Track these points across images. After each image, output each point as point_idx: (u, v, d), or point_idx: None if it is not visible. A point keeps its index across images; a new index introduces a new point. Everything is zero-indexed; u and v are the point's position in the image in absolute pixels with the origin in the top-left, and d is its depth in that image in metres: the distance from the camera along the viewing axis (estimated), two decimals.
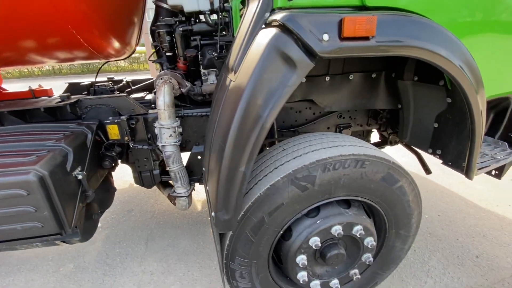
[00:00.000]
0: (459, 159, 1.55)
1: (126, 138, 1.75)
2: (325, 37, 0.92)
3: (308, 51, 0.93)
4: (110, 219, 2.83)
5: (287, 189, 1.22)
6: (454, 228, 2.49)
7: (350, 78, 1.84)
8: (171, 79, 1.85)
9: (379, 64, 1.82)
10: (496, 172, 1.85)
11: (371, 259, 1.47)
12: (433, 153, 1.72)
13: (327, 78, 1.81)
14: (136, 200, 3.13)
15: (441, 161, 1.67)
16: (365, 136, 2.55)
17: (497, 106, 1.71)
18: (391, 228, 1.50)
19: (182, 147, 2.00)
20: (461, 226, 2.50)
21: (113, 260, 2.28)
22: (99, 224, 2.76)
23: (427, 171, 2.24)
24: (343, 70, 1.83)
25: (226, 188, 1.10)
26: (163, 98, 1.67)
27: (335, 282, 1.51)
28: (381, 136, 2.61)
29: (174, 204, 2.05)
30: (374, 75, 1.86)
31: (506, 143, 1.66)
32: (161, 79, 1.82)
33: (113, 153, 1.77)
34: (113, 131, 1.72)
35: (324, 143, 1.34)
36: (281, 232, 1.33)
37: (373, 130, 2.51)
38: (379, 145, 2.65)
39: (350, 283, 1.63)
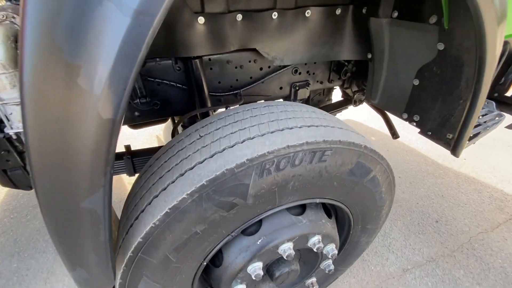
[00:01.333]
0: (443, 128, 1.19)
1: None
2: None
3: None
4: (8, 220, 2.15)
5: (201, 211, 0.73)
6: (414, 190, 2.34)
7: (307, 14, 1.28)
8: (13, 17, 1.08)
9: None
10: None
11: (332, 267, 1.14)
12: (409, 119, 1.34)
13: (275, 15, 1.23)
14: None
15: (419, 130, 1.30)
16: (326, 94, 2.11)
17: None
18: (356, 224, 1.15)
19: None
20: (420, 188, 2.37)
21: (7, 280, 1.71)
22: None
23: (394, 135, 1.93)
24: (296, 3, 1.25)
25: (67, 240, 0.56)
26: None
27: None
28: (344, 94, 2.18)
29: None
30: (338, 11, 1.32)
31: (494, 103, 1.32)
32: None
33: None
34: None
35: (263, 123, 0.83)
36: (205, 264, 0.89)
37: (334, 87, 2.06)
38: (341, 105, 2.23)
39: None
